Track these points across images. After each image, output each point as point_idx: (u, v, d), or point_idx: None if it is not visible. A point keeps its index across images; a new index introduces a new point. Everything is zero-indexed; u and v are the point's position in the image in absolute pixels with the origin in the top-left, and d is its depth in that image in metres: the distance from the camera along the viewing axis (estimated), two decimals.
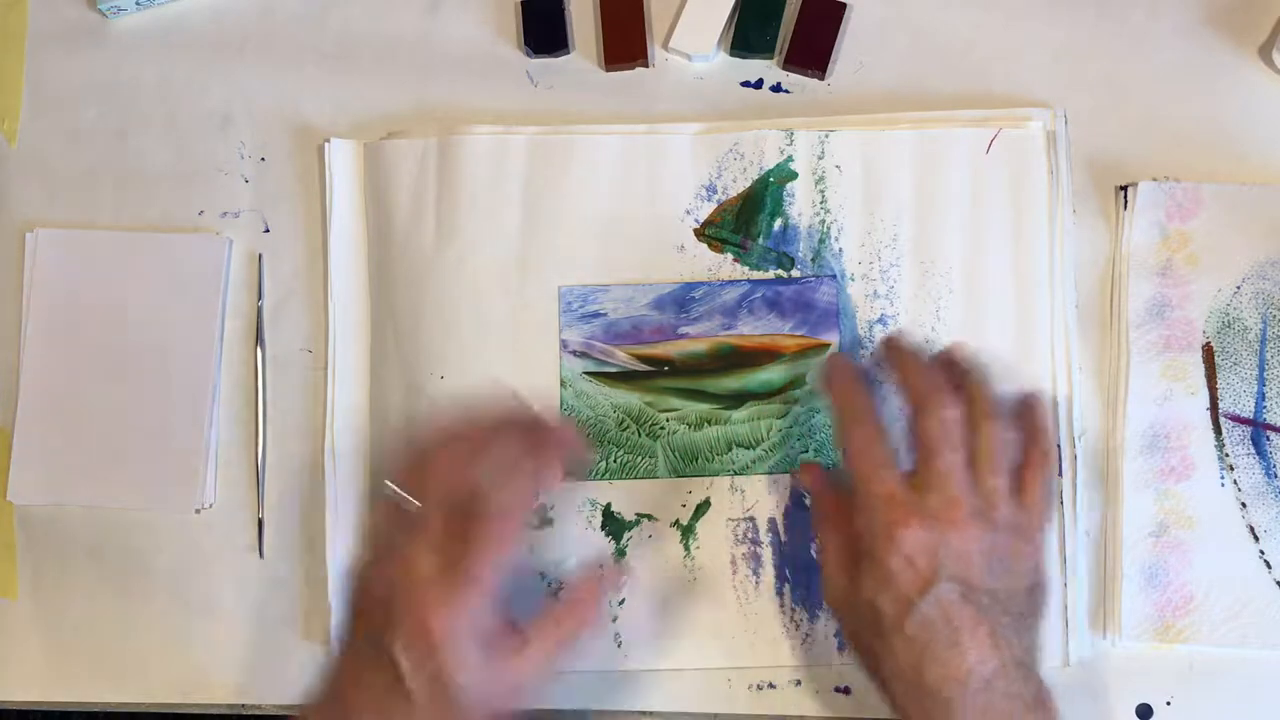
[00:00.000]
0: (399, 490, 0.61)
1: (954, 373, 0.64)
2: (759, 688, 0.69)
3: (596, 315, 0.71)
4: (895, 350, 0.65)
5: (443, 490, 0.60)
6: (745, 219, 0.71)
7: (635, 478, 0.70)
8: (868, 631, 0.61)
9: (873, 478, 0.61)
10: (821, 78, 0.73)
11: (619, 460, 0.70)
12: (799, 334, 0.70)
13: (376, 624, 0.59)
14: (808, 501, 0.69)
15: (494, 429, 0.63)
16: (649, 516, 0.70)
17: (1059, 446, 0.69)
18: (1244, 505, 0.68)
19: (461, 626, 0.58)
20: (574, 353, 0.70)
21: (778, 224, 0.71)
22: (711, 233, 0.71)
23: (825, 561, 0.64)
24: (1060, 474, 0.69)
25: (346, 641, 0.61)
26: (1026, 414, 0.64)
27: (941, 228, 0.70)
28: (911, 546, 0.59)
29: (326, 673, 0.61)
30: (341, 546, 0.72)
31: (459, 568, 0.59)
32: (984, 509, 0.60)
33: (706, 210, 0.71)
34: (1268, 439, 0.69)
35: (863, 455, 0.62)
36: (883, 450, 0.62)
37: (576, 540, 0.70)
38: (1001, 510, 0.61)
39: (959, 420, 0.61)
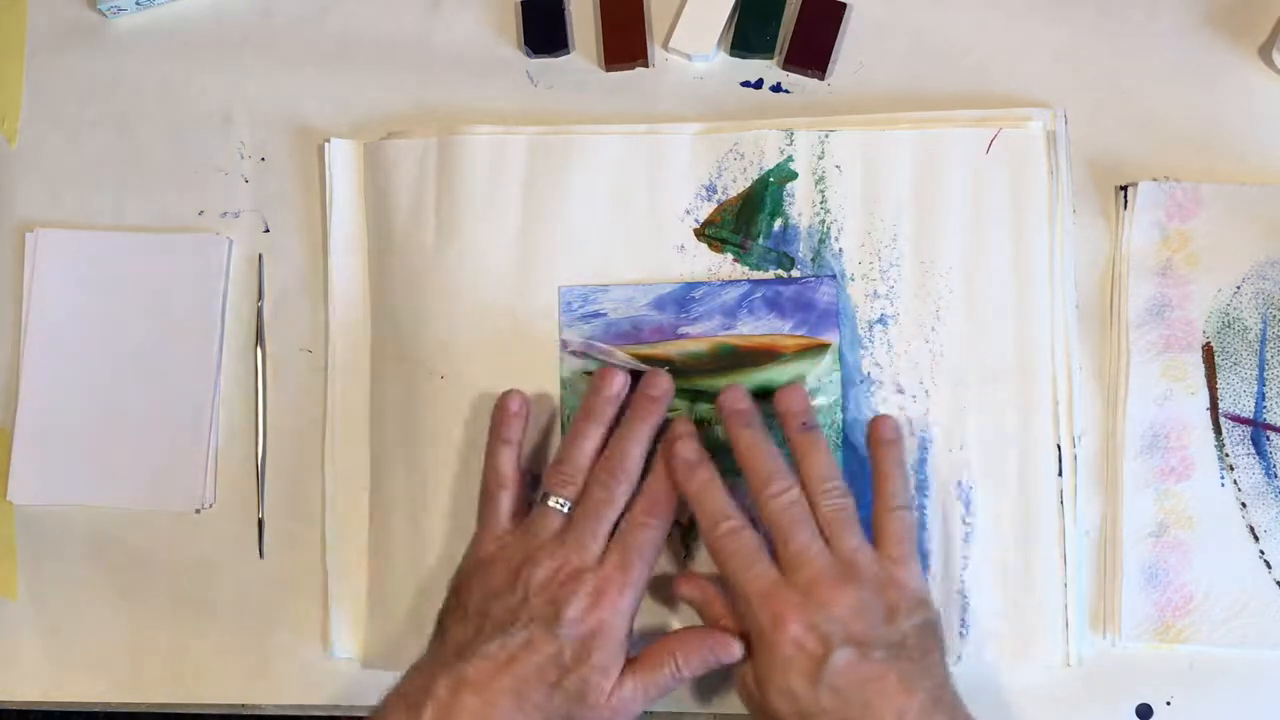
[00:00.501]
0: (557, 500, 0.65)
1: (787, 424, 0.66)
2: None
3: (596, 315, 0.71)
4: (726, 418, 0.66)
5: (593, 491, 0.65)
6: (745, 219, 0.71)
7: None
8: (789, 718, 0.61)
9: (745, 578, 0.63)
10: (821, 78, 0.73)
11: None
12: (799, 334, 0.70)
13: (535, 612, 0.62)
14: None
15: (626, 423, 0.67)
16: None
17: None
18: (1244, 505, 0.68)
19: (619, 625, 0.63)
20: (574, 353, 0.70)
21: (778, 224, 0.71)
22: (711, 233, 0.71)
23: (732, 665, 0.65)
24: (1060, 474, 0.69)
25: (485, 632, 0.63)
26: (874, 454, 0.67)
27: (941, 228, 0.70)
28: (796, 630, 0.61)
29: (451, 662, 0.62)
30: (342, 546, 0.72)
31: (620, 564, 0.64)
32: (847, 571, 0.63)
33: (706, 210, 0.71)
34: (1268, 439, 0.69)
35: (731, 558, 0.64)
36: (748, 546, 0.64)
37: None
38: (863, 566, 0.63)
39: (796, 498, 0.64)
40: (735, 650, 0.65)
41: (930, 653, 0.63)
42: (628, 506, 0.65)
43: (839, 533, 0.64)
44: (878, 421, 0.67)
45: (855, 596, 0.62)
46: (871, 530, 0.65)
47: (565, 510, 0.65)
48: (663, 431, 0.67)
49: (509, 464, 0.67)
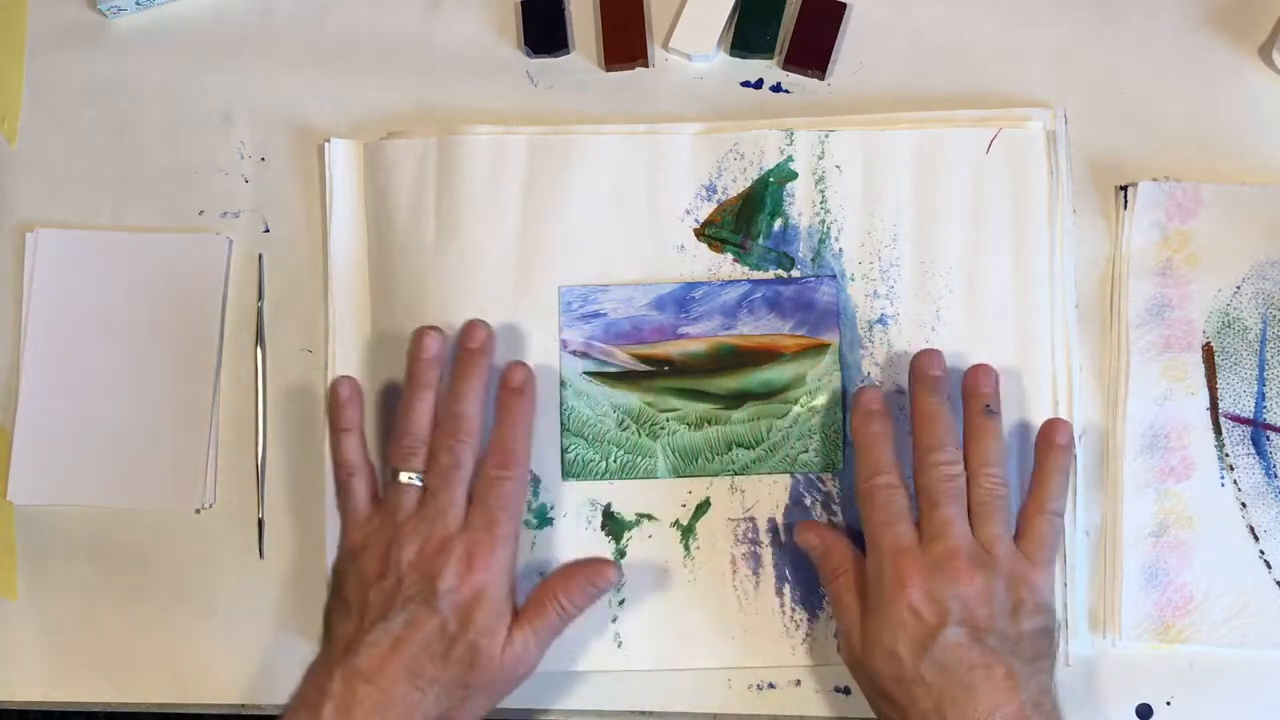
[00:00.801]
0: (407, 475, 0.66)
1: (971, 403, 0.66)
2: (759, 688, 0.69)
3: (596, 315, 0.71)
4: (915, 379, 0.67)
5: (439, 458, 0.66)
6: (745, 219, 0.71)
7: (635, 478, 0.70)
8: (888, 681, 0.62)
9: (884, 532, 0.63)
10: (821, 78, 0.73)
11: (619, 460, 0.70)
12: (799, 334, 0.70)
13: (411, 591, 0.63)
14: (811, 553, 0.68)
15: (457, 378, 0.67)
16: (649, 516, 0.70)
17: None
18: (1244, 505, 0.68)
19: (496, 584, 0.64)
20: (574, 353, 0.70)
21: (778, 224, 0.71)
22: (711, 233, 0.71)
23: (841, 616, 0.65)
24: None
25: (367, 621, 0.63)
26: (1042, 455, 0.67)
27: (941, 228, 0.70)
28: (916, 596, 0.61)
29: (341, 658, 0.63)
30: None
31: (484, 524, 0.64)
32: (983, 556, 0.63)
33: (706, 210, 0.71)
34: (1268, 439, 0.69)
35: (877, 510, 0.64)
36: (898, 504, 0.64)
37: (576, 540, 0.70)
38: (1001, 557, 0.63)
39: (958, 473, 0.64)
40: (611, 575, 0.66)
41: (1042, 658, 0.63)
42: (480, 464, 0.66)
43: (987, 517, 0.64)
44: (1053, 424, 0.67)
45: (985, 582, 0.62)
46: (1017, 527, 0.65)
47: (417, 483, 0.66)
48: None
49: (354, 451, 0.68)
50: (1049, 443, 0.67)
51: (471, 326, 0.68)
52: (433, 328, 0.68)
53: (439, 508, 0.65)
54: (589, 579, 0.66)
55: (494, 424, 0.67)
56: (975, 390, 0.66)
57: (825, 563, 0.66)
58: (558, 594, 0.65)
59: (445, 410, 0.67)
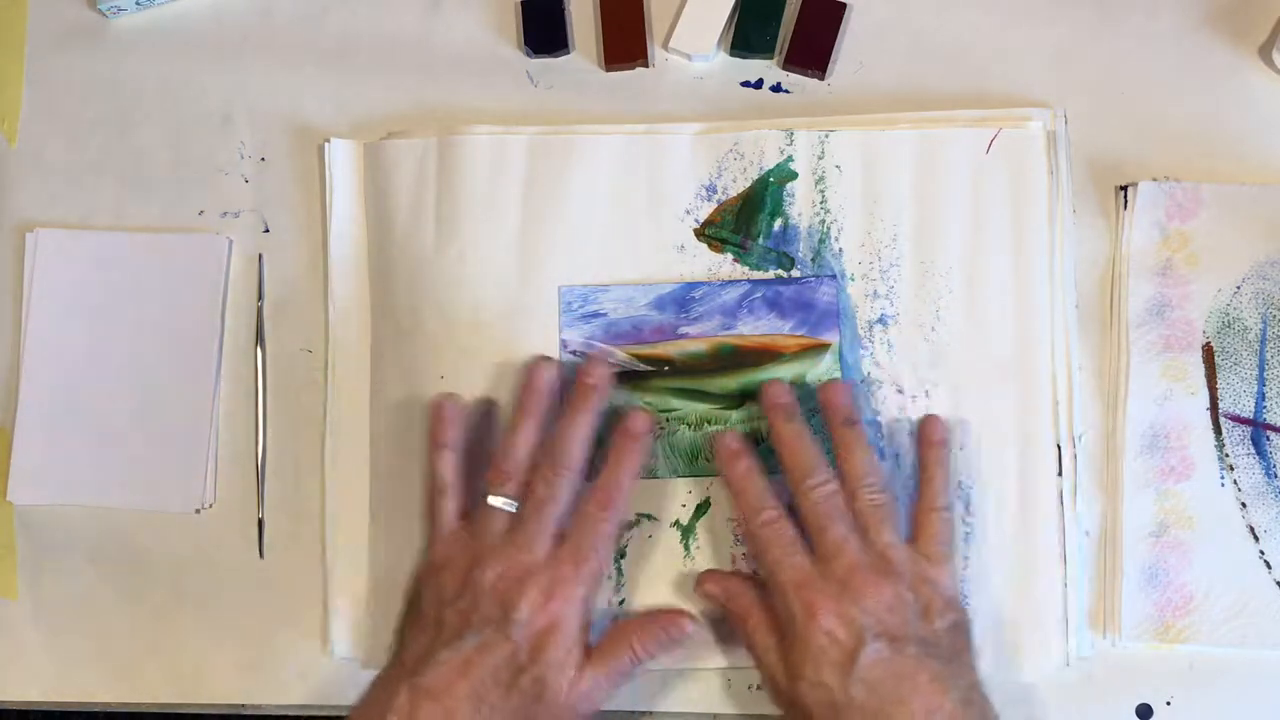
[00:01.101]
0: (504, 501, 0.65)
1: (831, 420, 0.67)
2: (759, 688, 0.69)
3: (596, 315, 0.71)
4: (768, 411, 0.67)
5: (536, 488, 0.65)
6: (745, 219, 0.71)
7: None
8: (820, 711, 0.61)
9: (780, 567, 0.64)
10: (821, 78, 0.73)
11: None
12: (799, 334, 0.70)
13: (487, 614, 0.63)
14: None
15: (568, 408, 0.67)
16: (649, 516, 0.70)
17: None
18: (1244, 505, 0.68)
19: (572, 620, 0.63)
20: (574, 353, 0.70)
21: (778, 224, 0.71)
22: (711, 233, 0.71)
23: (759, 657, 0.65)
24: (1060, 474, 0.69)
25: (440, 639, 0.63)
26: (921, 454, 0.67)
27: (941, 228, 0.70)
28: (829, 622, 0.61)
29: (409, 673, 0.62)
30: (342, 546, 0.72)
31: (573, 560, 0.64)
32: (882, 565, 0.63)
33: (706, 210, 0.71)
34: (1268, 439, 0.69)
35: (768, 547, 0.64)
36: (786, 536, 0.64)
37: None
38: (899, 562, 0.63)
39: (835, 492, 0.65)
40: (687, 627, 0.66)
41: (961, 654, 0.63)
42: (579, 498, 0.65)
43: (875, 527, 0.64)
44: (928, 421, 0.68)
45: (890, 591, 0.62)
46: (910, 528, 0.66)
47: (509, 508, 0.65)
48: (612, 422, 0.67)
49: (448, 468, 0.67)
50: (927, 441, 0.67)
51: (592, 363, 0.68)
52: (547, 358, 0.68)
53: (527, 536, 0.64)
54: (665, 630, 0.65)
55: (604, 464, 0.66)
56: (832, 405, 0.67)
57: (732, 608, 0.66)
58: (633, 640, 0.65)
59: (551, 441, 0.66)
